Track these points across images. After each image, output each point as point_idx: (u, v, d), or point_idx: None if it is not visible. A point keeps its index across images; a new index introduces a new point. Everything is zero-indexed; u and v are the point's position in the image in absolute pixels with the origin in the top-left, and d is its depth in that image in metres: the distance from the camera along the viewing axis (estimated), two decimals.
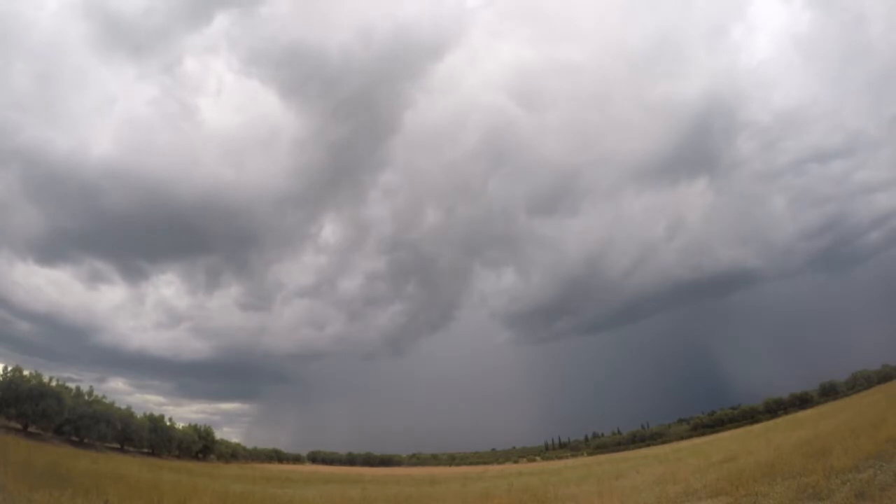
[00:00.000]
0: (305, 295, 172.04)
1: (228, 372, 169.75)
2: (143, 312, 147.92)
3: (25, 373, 32.31)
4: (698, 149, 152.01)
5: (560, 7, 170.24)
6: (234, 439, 70.70)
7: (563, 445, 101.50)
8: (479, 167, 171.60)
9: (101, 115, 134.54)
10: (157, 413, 46.94)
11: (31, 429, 31.45)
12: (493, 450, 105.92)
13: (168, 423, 46.94)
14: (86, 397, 37.97)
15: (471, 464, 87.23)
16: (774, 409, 66.80)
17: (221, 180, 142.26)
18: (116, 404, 41.39)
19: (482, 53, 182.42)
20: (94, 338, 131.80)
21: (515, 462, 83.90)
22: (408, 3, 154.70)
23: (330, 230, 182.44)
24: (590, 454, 78.73)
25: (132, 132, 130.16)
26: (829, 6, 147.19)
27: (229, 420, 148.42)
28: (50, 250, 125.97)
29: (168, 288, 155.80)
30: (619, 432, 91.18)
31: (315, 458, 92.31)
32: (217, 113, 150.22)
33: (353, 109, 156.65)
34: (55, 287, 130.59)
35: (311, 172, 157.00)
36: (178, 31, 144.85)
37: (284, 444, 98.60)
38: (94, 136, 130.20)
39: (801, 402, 64.66)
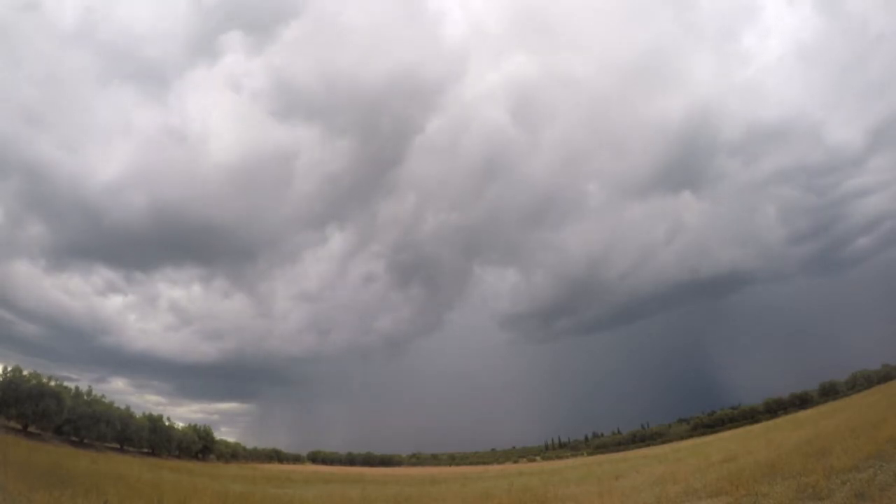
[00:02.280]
0: (307, 299, 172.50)
1: (229, 373, 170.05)
2: (148, 316, 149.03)
3: (25, 373, 32.26)
4: (694, 158, 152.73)
5: (564, 20, 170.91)
6: (232, 439, 70.83)
7: (563, 445, 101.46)
8: (482, 176, 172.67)
9: (111, 138, 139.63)
10: (156, 413, 47.06)
11: (31, 429, 31.42)
12: (493, 450, 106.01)
13: (167, 424, 46.96)
14: (85, 397, 37.92)
15: (471, 464, 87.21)
16: (774, 409, 66.84)
17: (228, 198, 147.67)
18: (116, 404, 41.47)
19: (485, 70, 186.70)
20: (97, 339, 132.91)
21: (515, 462, 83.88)
22: (416, 40, 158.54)
23: (337, 236, 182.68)
24: (590, 454, 78.74)
25: (141, 155, 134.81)
26: (833, 11, 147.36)
27: (228, 420, 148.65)
28: (59, 259, 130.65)
29: (173, 293, 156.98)
30: (619, 432, 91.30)
31: (315, 458, 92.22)
32: (227, 138, 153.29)
33: (363, 134, 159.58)
34: (62, 292, 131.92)
35: (320, 191, 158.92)
36: (190, 59, 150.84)
37: (284, 444, 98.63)
38: (103, 158, 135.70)
39: (801, 402, 64.66)
